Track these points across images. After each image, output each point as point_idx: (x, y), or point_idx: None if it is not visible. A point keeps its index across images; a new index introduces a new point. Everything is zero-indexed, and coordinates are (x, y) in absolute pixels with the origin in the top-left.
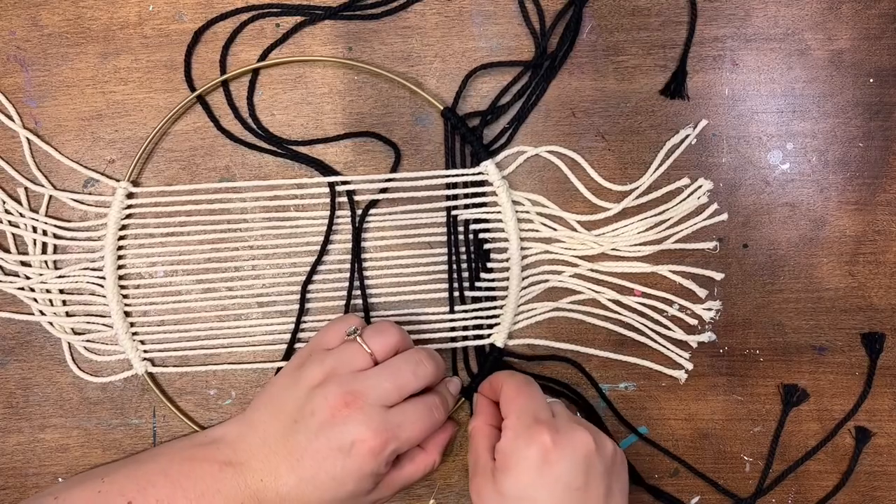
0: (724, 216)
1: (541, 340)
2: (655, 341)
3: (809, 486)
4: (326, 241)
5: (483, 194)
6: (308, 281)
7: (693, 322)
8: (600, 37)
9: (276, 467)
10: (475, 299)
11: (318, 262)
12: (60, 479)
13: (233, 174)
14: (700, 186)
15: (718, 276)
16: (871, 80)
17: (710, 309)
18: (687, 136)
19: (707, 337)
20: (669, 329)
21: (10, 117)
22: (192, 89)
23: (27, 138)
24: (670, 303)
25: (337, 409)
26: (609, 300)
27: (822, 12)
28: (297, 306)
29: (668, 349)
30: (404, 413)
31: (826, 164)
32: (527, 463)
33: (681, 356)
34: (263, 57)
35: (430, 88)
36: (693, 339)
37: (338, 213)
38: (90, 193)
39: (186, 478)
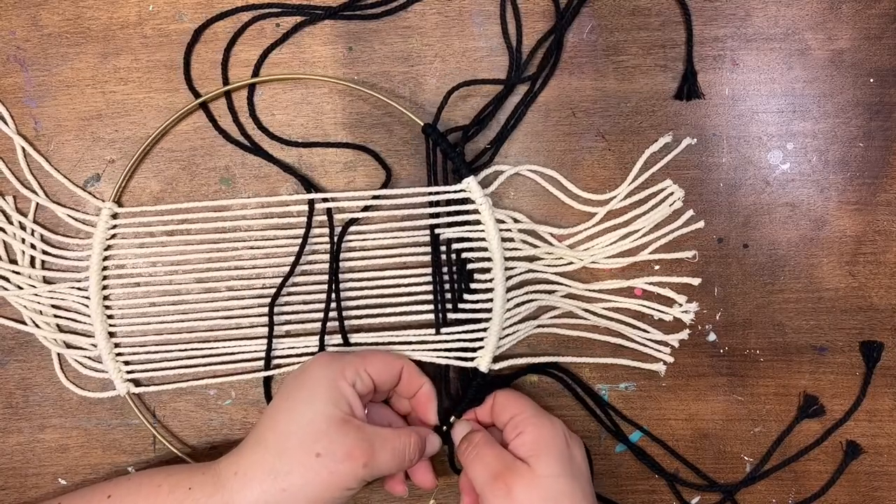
0: (701, 223)
1: (527, 360)
2: (645, 345)
3: (810, 487)
4: (297, 260)
5: (466, 212)
6: (275, 299)
7: (689, 323)
8: (600, 37)
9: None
10: (458, 321)
11: (286, 281)
12: (61, 480)
13: (233, 174)
14: (672, 193)
15: (696, 281)
16: (872, 80)
17: (686, 312)
18: (666, 145)
19: (685, 335)
20: (648, 333)
21: (4, 121)
22: (192, 90)
23: (21, 147)
24: (671, 303)
25: None
26: (588, 311)
27: (822, 12)
28: (285, 327)
29: (656, 349)
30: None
31: (826, 164)
32: (558, 440)
33: (662, 351)
34: (264, 57)
35: (430, 87)
36: (674, 339)
37: (322, 230)
38: (90, 193)
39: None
